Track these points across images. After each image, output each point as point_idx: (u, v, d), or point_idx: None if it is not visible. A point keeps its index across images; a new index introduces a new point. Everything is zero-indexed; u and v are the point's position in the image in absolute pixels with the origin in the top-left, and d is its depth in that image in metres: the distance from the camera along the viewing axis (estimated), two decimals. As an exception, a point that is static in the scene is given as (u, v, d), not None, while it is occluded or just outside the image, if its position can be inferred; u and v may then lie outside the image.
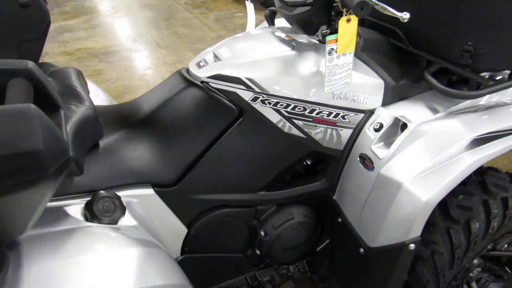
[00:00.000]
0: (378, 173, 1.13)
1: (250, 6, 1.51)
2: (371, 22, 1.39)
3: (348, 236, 1.25)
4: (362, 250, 1.20)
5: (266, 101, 1.16)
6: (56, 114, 0.73)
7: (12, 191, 0.60)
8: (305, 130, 1.21)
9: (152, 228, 1.13)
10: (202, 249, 1.29)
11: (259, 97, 1.15)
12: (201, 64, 1.22)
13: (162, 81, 1.29)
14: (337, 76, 1.12)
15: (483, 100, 1.29)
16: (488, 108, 1.20)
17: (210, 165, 1.18)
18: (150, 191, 1.12)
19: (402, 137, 1.13)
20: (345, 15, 1.02)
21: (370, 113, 1.23)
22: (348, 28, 1.04)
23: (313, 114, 1.19)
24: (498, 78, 1.29)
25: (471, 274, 1.42)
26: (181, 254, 1.26)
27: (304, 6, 1.18)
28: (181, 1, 5.92)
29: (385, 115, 1.20)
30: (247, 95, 1.15)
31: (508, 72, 1.24)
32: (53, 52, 4.38)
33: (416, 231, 1.10)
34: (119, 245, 0.90)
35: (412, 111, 1.21)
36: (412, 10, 1.19)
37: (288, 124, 1.19)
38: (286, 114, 1.18)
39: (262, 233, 1.31)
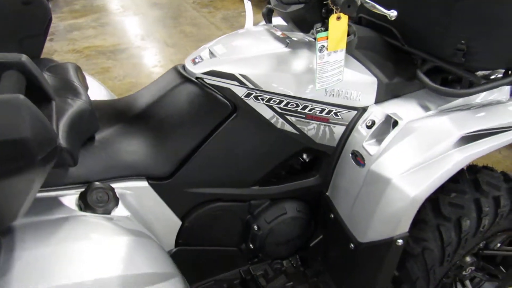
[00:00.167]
0: (369, 169, 1.15)
1: (248, 4, 1.54)
2: (368, 21, 1.41)
3: (339, 231, 1.27)
4: (352, 245, 1.22)
5: (259, 97, 1.18)
6: (47, 106, 0.76)
7: (1, 178, 0.63)
8: (298, 126, 1.23)
9: (146, 219, 1.16)
10: (196, 241, 1.31)
11: (252, 93, 1.17)
12: (197, 60, 1.24)
13: (159, 77, 1.32)
14: (328, 73, 1.13)
15: (479, 98, 1.29)
16: (480, 106, 1.21)
17: (204, 160, 1.21)
18: (144, 183, 1.15)
19: (392, 134, 1.14)
20: (335, 12, 1.04)
21: (363, 110, 1.25)
22: (339, 25, 1.06)
23: (306, 111, 1.21)
24: (493, 77, 1.30)
25: (464, 273, 1.43)
26: (175, 246, 1.28)
27: (298, 4, 1.19)
28: (189, 0, 5.96)
29: (377, 113, 1.21)
30: (240, 91, 1.17)
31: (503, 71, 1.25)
32: (62, 50, 4.45)
33: (404, 227, 1.11)
34: (110, 234, 0.93)
35: (404, 108, 1.22)
36: (407, 9, 1.21)
37: (281, 120, 1.21)
38: (279, 110, 1.20)
39: (256, 227, 1.33)
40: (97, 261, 0.85)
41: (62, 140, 0.93)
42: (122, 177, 1.12)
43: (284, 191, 1.33)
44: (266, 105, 1.19)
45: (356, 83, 1.22)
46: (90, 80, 1.57)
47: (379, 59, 1.26)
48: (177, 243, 1.28)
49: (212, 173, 1.23)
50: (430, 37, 1.20)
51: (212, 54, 1.25)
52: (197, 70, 1.21)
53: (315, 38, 1.24)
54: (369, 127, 1.21)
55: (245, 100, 1.18)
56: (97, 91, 1.57)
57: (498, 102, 1.26)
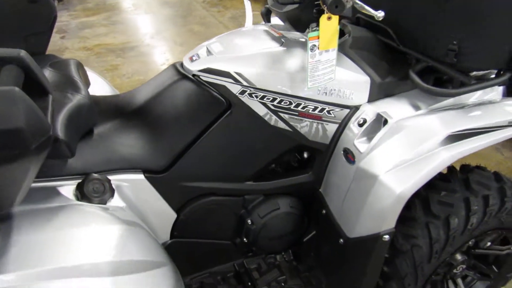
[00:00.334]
0: (358, 166, 1.18)
1: (247, 4, 1.57)
2: (366, 21, 1.43)
3: (330, 227, 1.30)
4: (342, 240, 1.25)
5: (253, 95, 1.21)
6: (44, 99, 0.80)
7: (-2, 164, 0.67)
8: (291, 123, 1.26)
9: (142, 211, 1.20)
10: (191, 234, 1.36)
11: (246, 91, 1.21)
12: (194, 58, 1.28)
13: (157, 74, 1.36)
14: (320, 71, 1.16)
15: (472, 98, 1.31)
16: (470, 106, 1.23)
17: (199, 154, 1.25)
18: (140, 176, 1.19)
19: (382, 132, 1.17)
20: (326, 12, 1.07)
21: (355, 108, 1.27)
22: (329, 25, 1.09)
23: (299, 108, 1.24)
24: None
25: (455, 271, 1.44)
26: (171, 238, 1.32)
27: (293, 4, 1.23)
28: (199, -1, 6.02)
29: (369, 111, 1.24)
30: (235, 88, 1.21)
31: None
32: (73, 47, 4.53)
33: (390, 223, 1.14)
34: (104, 222, 0.98)
35: (396, 107, 1.24)
36: (401, 10, 1.23)
37: (274, 117, 1.24)
38: (272, 107, 1.23)
39: (249, 221, 1.37)
40: (90, 247, 0.90)
41: (60, 132, 0.98)
42: (119, 169, 1.16)
43: (278, 187, 1.37)
44: (260, 102, 1.22)
45: (349, 82, 1.25)
46: (94, 77, 1.62)
47: (373, 59, 1.29)
48: (172, 235, 1.32)
49: (207, 167, 1.27)
50: (423, 38, 1.22)
51: (209, 52, 1.29)
52: (193, 67, 1.25)
53: (309, 38, 1.27)
54: (360, 125, 1.24)
55: (240, 97, 1.22)
56: (100, 87, 1.62)
57: (490, 102, 1.28)
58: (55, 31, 4.98)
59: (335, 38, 1.12)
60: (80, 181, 1.07)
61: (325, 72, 1.17)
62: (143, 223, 1.18)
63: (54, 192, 1.02)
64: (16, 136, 0.66)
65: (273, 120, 1.25)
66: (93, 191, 1.06)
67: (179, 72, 1.28)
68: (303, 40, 1.32)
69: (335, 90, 1.24)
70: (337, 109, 1.26)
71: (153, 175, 1.21)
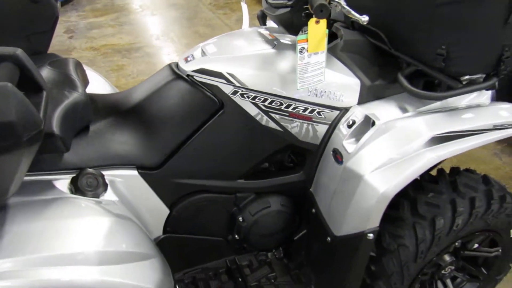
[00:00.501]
0: (345, 166, 1.21)
1: (244, 7, 1.61)
2: (360, 25, 1.46)
3: (319, 226, 1.33)
4: (329, 239, 1.27)
5: (245, 95, 1.25)
6: (38, 95, 0.85)
7: (-9, 156, 0.72)
8: (282, 123, 1.29)
9: (135, 206, 1.24)
10: (184, 230, 1.39)
11: (238, 91, 1.24)
12: (189, 59, 1.32)
13: (154, 73, 1.40)
14: (309, 73, 1.19)
15: (460, 102, 1.33)
16: (456, 109, 1.25)
17: (192, 152, 1.28)
18: (134, 172, 1.23)
19: (369, 133, 1.20)
20: (314, 16, 1.10)
21: (345, 110, 1.30)
22: (318, 28, 1.12)
23: (289, 109, 1.27)
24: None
25: (443, 272, 1.46)
26: (164, 233, 1.36)
27: (285, 7, 1.26)
28: (206, 1, 6.07)
29: (358, 113, 1.27)
30: (227, 89, 1.25)
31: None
32: (80, 47, 4.61)
33: (375, 222, 1.17)
34: (96, 214, 1.02)
35: (384, 109, 1.27)
36: (392, 14, 1.26)
37: (265, 117, 1.28)
38: (263, 108, 1.26)
39: (241, 219, 1.40)
40: (80, 236, 0.94)
41: (55, 128, 1.02)
42: (113, 165, 1.20)
43: (269, 186, 1.40)
44: (251, 102, 1.26)
45: (339, 84, 1.28)
46: (95, 76, 1.67)
47: (363, 62, 1.32)
48: (165, 231, 1.36)
49: (200, 165, 1.31)
50: (413, 42, 1.25)
51: (203, 53, 1.33)
52: (188, 67, 1.29)
53: (300, 41, 1.31)
54: (349, 127, 1.26)
55: (232, 97, 1.25)
56: (101, 86, 1.66)
57: (478, 106, 1.30)
58: (64, 31, 5.08)
59: (323, 41, 1.15)
60: (74, 175, 1.12)
61: (314, 74, 1.20)
62: (135, 217, 1.22)
63: (49, 185, 1.06)
64: (8, 129, 0.70)
65: (264, 120, 1.28)
66: (87, 185, 1.10)
67: (174, 72, 1.32)
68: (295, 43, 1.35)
69: (325, 92, 1.27)
70: (327, 110, 1.29)
71: (146, 172, 1.25)
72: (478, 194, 1.31)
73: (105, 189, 1.14)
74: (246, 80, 1.24)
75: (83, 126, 1.18)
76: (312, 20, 1.11)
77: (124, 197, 1.20)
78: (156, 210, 1.30)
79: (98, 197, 1.12)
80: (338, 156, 1.26)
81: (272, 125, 1.29)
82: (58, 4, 1.46)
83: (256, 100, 1.25)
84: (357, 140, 1.23)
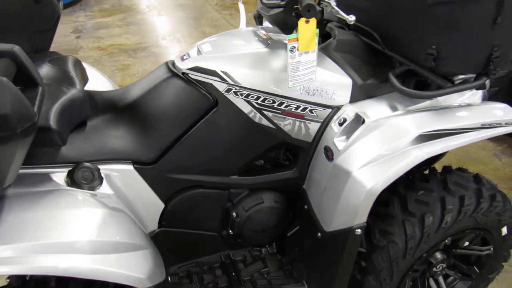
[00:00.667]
0: (335, 163, 1.23)
1: (241, 6, 1.64)
2: (355, 25, 1.48)
3: (311, 222, 1.35)
4: (319, 234, 1.30)
5: (238, 93, 1.28)
6: (33, 90, 0.89)
7: (-14, 147, 0.75)
8: (275, 121, 1.32)
9: (130, 200, 1.27)
10: (179, 224, 1.42)
11: (232, 89, 1.28)
12: (184, 57, 1.36)
13: (150, 71, 1.44)
14: (300, 72, 1.22)
15: (451, 101, 1.35)
16: (445, 108, 1.27)
17: (186, 148, 1.32)
18: (130, 167, 1.27)
19: (358, 131, 1.22)
20: (302, 16, 1.13)
21: (337, 108, 1.32)
22: (308, 28, 1.14)
23: (282, 107, 1.30)
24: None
25: (435, 269, 1.48)
26: (159, 227, 1.40)
27: (278, 7, 1.29)
28: (212, 2, 6.12)
29: (349, 111, 1.29)
30: (221, 87, 1.28)
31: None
32: (87, 47, 4.68)
33: (362, 217, 1.19)
34: (90, 206, 1.06)
35: (375, 108, 1.29)
36: (385, 15, 1.29)
37: (258, 115, 1.31)
38: (256, 105, 1.29)
39: (234, 214, 1.43)
40: (75, 226, 0.98)
41: (52, 122, 1.06)
42: (109, 159, 1.24)
43: (262, 182, 1.43)
44: (245, 100, 1.29)
45: (332, 83, 1.30)
46: (96, 74, 1.71)
47: (356, 61, 1.34)
48: (160, 224, 1.40)
49: (194, 161, 1.34)
50: (405, 42, 1.27)
51: (199, 51, 1.36)
52: (183, 66, 1.32)
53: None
54: (340, 125, 1.29)
55: (226, 95, 1.28)
56: (102, 84, 1.70)
57: (468, 105, 1.32)
58: (71, 31, 5.16)
59: (313, 40, 1.18)
60: (71, 168, 1.16)
61: (305, 73, 1.23)
62: (131, 211, 1.26)
63: (46, 178, 1.11)
64: (2, 121, 0.74)
65: (257, 117, 1.31)
66: (83, 178, 1.14)
67: (170, 70, 1.35)
68: (289, 42, 1.38)
69: (317, 90, 1.30)
70: (319, 108, 1.32)
71: (142, 166, 1.29)
72: (468, 193, 1.32)
73: (101, 183, 1.18)
74: (239, 78, 1.27)
75: (80, 121, 1.22)
76: (302, 20, 1.13)
77: (119, 190, 1.24)
78: (151, 204, 1.34)
79: (93, 190, 1.16)
80: (329, 153, 1.29)
81: (265, 122, 1.32)
82: (60, 3, 1.50)
83: (249, 97, 1.28)
84: (348, 137, 1.26)
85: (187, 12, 5.81)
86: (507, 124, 1.25)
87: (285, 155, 1.54)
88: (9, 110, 0.75)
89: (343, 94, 1.32)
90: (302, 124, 1.34)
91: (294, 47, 1.18)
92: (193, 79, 1.30)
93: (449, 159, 2.63)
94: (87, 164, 1.17)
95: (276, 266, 1.51)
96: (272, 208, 1.45)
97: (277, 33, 1.45)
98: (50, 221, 0.97)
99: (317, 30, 1.17)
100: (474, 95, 1.39)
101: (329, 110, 1.33)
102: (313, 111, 1.32)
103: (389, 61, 1.40)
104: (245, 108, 1.30)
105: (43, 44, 1.47)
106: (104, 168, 1.22)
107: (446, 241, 1.37)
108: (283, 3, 1.26)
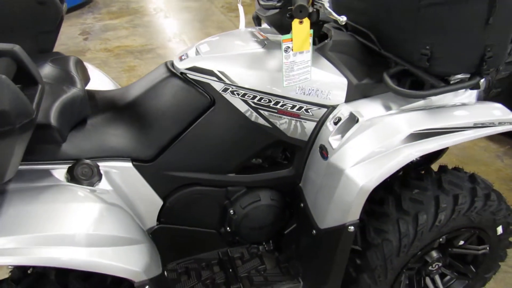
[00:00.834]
0: (329, 161, 1.25)
1: (241, 8, 1.67)
2: (352, 26, 1.51)
3: (306, 219, 1.37)
4: (314, 231, 1.32)
5: (235, 92, 1.31)
6: (33, 88, 0.92)
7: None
8: (271, 120, 1.34)
9: (129, 196, 1.30)
10: (177, 221, 1.45)
11: (229, 88, 1.30)
12: (183, 57, 1.39)
13: (150, 71, 1.47)
14: (295, 72, 1.24)
15: (445, 101, 1.36)
16: (438, 107, 1.28)
17: (184, 146, 1.34)
18: (128, 164, 1.30)
19: (352, 130, 1.24)
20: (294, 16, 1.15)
21: (332, 108, 1.34)
22: (301, 28, 1.17)
23: (278, 106, 1.32)
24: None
25: (430, 268, 1.49)
26: (157, 223, 1.42)
27: (274, 8, 1.32)
28: (218, 4, 6.18)
29: (344, 111, 1.31)
30: (218, 86, 1.31)
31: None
32: (94, 49, 4.74)
33: (355, 215, 1.21)
34: (88, 200, 1.09)
35: (369, 107, 1.31)
36: (380, 16, 1.30)
37: (255, 114, 1.33)
38: (253, 104, 1.32)
39: (231, 211, 1.46)
40: (73, 220, 1.01)
41: (52, 120, 1.10)
42: (108, 157, 1.27)
43: (259, 180, 1.45)
44: (241, 99, 1.31)
45: (327, 83, 1.33)
46: (99, 74, 1.75)
47: (351, 61, 1.36)
48: (159, 221, 1.42)
49: (191, 159, 1.37)
50: (400, 42, 1.29)
51: (197, 52, 1.39)
52: (181, 65, 1.35)
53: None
54: (335, 124, 1.31)
55: (223, 94, 1.31)
56: (104, 83, 1.74)
57: (462, 105, 1.34)
58: (79, 33, 5.24)
59: (307, 40, 1.20)
60: (71, 165, 1.19)
61: (300, 73, 1.25)
62: (129, 207, 1.29)
63: (46, 174, 1.14)
64: (1, 116, 0.78)
65: (253, 116, 1.33)
66: (82, 174, 1.17)
67: (169, 70, 1.38)
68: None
69: (313, 90, 1.32)
70: (315, 108, 1.34)
71: (140, 164, 1.32)
72: (462, 191, 1.33)
73: (100, 179, 1.21)
74: (236, 77, 1.30)
75: (81, 119, 1.26)
76: (296, 20, 1.16)
77: (118, 187, 1.27)
78: (149, 200, 1.37)
79: (92, 185, 1.19)
80: (324, 152, 1.31)
81: (261, 121, 1.34)
82: (64, 5, 1.54)
83: (246, 97, 1.31)
84: (342, 136, 1.27)
85: (193, 14, 5.87)
86: (500, 123, 1.26)
87: (282, 154, 1.56)
88: (8, 107, 0.78)
89: (338, 93, 1.34)
90: (298, 123, 1.36)
91: (289, 47, 1.20)
92: (191, 78, 1.33)
93: (451, 160, 2.63)
94: (87, 161, 1.20)
95: (273, 263, 1.53)
96: (268, 206, 1.48)
97: (274, 34, 1.47)
98: (50, 215, 1.01)
99: (311, 31, 1.19)
100: (469, 95, 1.40)
101: (324, 110, 1.35)
102: (308, 110, 1.34)
103: (385, 62, 1.42)
104: (242, 107, 1.32)
105: (47, 44, 1.51)
106: (103, 165, 1.25)
107: (441, 239, 1.38)
108: (279, 4, 1.28)
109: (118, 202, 1.20)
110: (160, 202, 1.39)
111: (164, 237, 1.43)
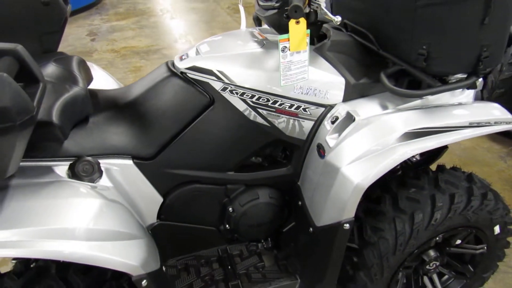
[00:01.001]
0: (325, 160, 1.27)
1: (242, 8, 1.69)
2: (351, 27, 1.52)
3: (304, 217, 1.39)
4: (311, 229, 1.34)
5: (233, 91, 1.33)
6: (34, 86, 0.95)
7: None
8: (269, 119, 1.36)
9: (129, 193, 1.33)
10: (177, 218, 1.48)
11: (228, 87, 1.33)
12: (183, 57, 1.41)
13: (151, 71, 1.50)
14: (292, 71, 1.26)
15: (442, 100, 1.37)
16: (434, 107, 1.29)
17: (184, 144, 1.37)
18: (129, 162, 1.33)
19: (348, 129, 1.26)
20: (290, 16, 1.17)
21: (330, 107, 1.36)
22: (298, 28, 1.19)
23: (276, 105, 1.34)
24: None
25: (428, 267, 1.50)
26: (158, 220, 1.45)
27: (273, 9, 1.34)
28: (224, 5, 6.21)
29: (341, 110, 1.33)
30: (217, 85, 1.33)
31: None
32: (101, 49, 4.80)
33: (350, 212, 1.22)
34: (88, 196, 1.11)
35: (367, 107, 1.33)
36: (380, 17, 1.32)
37: (253, 113, 1.35)
38: (251, 103, 1.34)
39: (230, 209, 1.48)
40: (73, 214, 1.04)
41: (54, 118, 1.13)
42: (109, 154, 1.30)
43: (258, 178, 1.47)
44: (240, 98, 1.34)
45: (325, 82, 1.34)
46: (103, 74, 1.79)
47: (349, 61, 1.38)
48: (159, 218, 1.45)
49: (191, 157, 1.39)
50: (398, 42, 1.30)
51: (197, 52, 1.42)
52: (182, 65, 1.38)
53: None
54: (333, 123, 1.33)
55: (222, 94, 1.33)
56: (108, 83, 1.77)
57: (459, 104, 1.34)
58: (86, 34, 5.30)
59: (304, 40, 1.22)
60: (72, 162, 1.22)
61: (297, 72, 1.27)
62: (130, 203, 1.31)
63: (48, 170, 1.17)
64: (2, 113, 0.81)
65: (252, 115, 1.35)
66: (83, 170, 1.20)
67: (169, 69, 1.41)
68: (285, 42, 1.42)
69: (311, 89, 1.34)
70: (313, 107, 1.36)
71: (141, 161, 1.34)
72: (458, 191, 1.34)
73: (100, 176, 1.24)
74: (234, 77, 1.32)
75: (82, 118, 1.29)
76: (293, 21, 1.18)
77: (118, 184, 1.30)
78: (150, 197, 1.39)
79: (93, 182, 1.22)
80: (321, 151, 1.33)
81: (260, 120, 1.36)
82: (68, 6, 1.57)
83: (244, 96, 1.33)
84: (339, 135, 1.29)
85: (199, 15, 5.91)
86: (496, 123, 1.27)
87: (281, 153, 1.58)
88: (9, 103, 0.81)
89: (336, 93, 1.35)
90: (296, 122, 1.38)
91: (286, 47, 1.22)
92: (191, 78, 1.36)
93: (453, 160, 2.63)
94: (88, 158, 1.23)
95: (272, 261, 1.55)
96: (267, 204, 1.49)
97: (273, 34, 1.49)
98: (51, 209, 1.04)
99: (308, 31, 1.21)
100: (467, 95, 1.41)
101: (322, 109, 1.36)
102: (306, 109, 1.36)
103: (383, 61, 1.44)
104: (240, 106, 1.34)
105: (51, 45, 1.54)
106: (104, 162, 1.27)
107: (437, 238, 1.39)
108: (277, 5, 1.30)
109: (118, 199, 1.22)
110: (160, 199, 1.42)
111: (164, 234, 1.46)
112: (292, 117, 1.37)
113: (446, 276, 1.62)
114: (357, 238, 1.39)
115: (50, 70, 1.32)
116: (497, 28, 1.20)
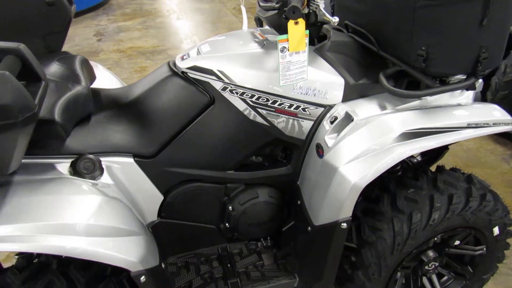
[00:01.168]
0: (324, 159, 1.28)
1: (244, 9, 1.71)
2: (352, 27, 1.53)
3: (302, 216, 1.40)
4: (309, 228, 1.35)
5: (233, 91, 1.34)
6: (36, 84, 0.97)
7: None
8: (269, 118, 1.38)
9: (130, 191, 1.35)
10: (177, 216, 1.49)
11: (228, 87, 1.34)
12: (185, 57, 1.43)
13: (153, 71, 1.52)
14: (291, 71, 1.27)
15: (442, 101, 1.38)
16: (433, 107, 1.30)
17: (184, 143, 1.39)
18: (130, 160, 1.35)
19: (347, 129, 1.27)
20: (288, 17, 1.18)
21: (329, 107, 1.37)
22: (297, 29, 1.20)
23: (275, 105, 1.35)
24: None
25: (427, 267, 1.50)
26: (158, 218, 1.47)
27: (273, 10, 1.35)
28: (230, 6, 6.23)
29: (340, 110, 1.34)
30: (218, 85, 1.35)
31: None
32: (108, 50, 4.84)
33: (347, 212, 1.23)
34: (89, 193, 1.13)
35: (366, 107, 1.33)
36: (380, 18, 1.33)
37: (253, 112, 1.37)
38: (251, 103, 1.35)
39: (230, 208, 1.49)
40: (74, 210, 1.06)
41: (56, 116, 1.15)
42: (111, 152, 1.32)
43: (257, 177, 1.48)
44: (240, 98, 1.35)
45: (324, 82, 1.35)
46: (107, 74, 1.81)
47: (349, 62, 1.39)
48: (159, 216, 1.47)
49: (191, 156, 1.41)
50: (397, 43, 1.31)
51: (199, 52, 1.43)
52: (183, 65, 1.39)
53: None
54: (332, 123, 1.34)
55: (222, 93, 1.35)
56: (112, 83, 1.80)
57: (457, 105, 1.35)
58: (93, 34, 5.34)
59: (303, 41, 1.23)
60: (74, 159, 1.24)
61: (296, 72, 1.28)
62: (130, 200, 1.33)
63: (50, 167, 1.19)
64: (4, 110, 0.83)
65: (252, 115, 1.37)
66: (84, 168, 1.22)
67: (171, 69, 1.43)
68: (286, 43, 1.43)
69: (310, 89, 1.35)
70: (312, 107, 1.37)
71: (142, 160, 1.36)
72: (457, 191, 1.34)
73: (101, 173, 1.26)
74: (235, 77, 1.33)
75: (84, 116, 1.31)
76: (292, 21, 1.19)
77: (119, 181, 1.32)
78: (150, 195, 1.41)
79: (94, 179, 1.24)
80: (320, 150, 1.34)
81: (259, 119, 1.38)
82: (73, 7, 1.60)
83: (244, 96, 1.34)
84: (338, 135, 1.30)
85: (205, 16, 5.94)
86: (495, 124, 1.27)
87: (281, 152, 1.59)
88: (11, 101, 0.83)
89: (335, 93, 1.36)
90: (296, 122, 1.39)
91: (285, 47, 1.23)
92: (191, 77, 1.37)
93: (456, 162, 2.63)
94: (90, 155, 1.25)
95: (271, 259, 1.56)
96: (266, 203, 1.51)
97: (274, 34, 1.51)
98: (53, 205, 1.06)
99: (308, 31, 1.22)
100: (466, 96, 1.41)
101: (321, 109, 1.37)
102: (306, 109, 1.37)
103: (383, 62, 1.44)
104: (240, 105, 1.36)
105: (55, 44, 1.57)
106: (105, 160, 1.30)
107: (436, 239, 1.40)
108: (277, 5, 1.32)
109: (118, 196, 1.24)
110: (160, 197, 1.43)
111: (165, 232, 1.48)
112: (291, 117, 1.38)
113: (445, 277, 1.63)
114: (355, 238, 1.40)
115: (53, 69, 1.35)
116: (496, 29, 1.20)
